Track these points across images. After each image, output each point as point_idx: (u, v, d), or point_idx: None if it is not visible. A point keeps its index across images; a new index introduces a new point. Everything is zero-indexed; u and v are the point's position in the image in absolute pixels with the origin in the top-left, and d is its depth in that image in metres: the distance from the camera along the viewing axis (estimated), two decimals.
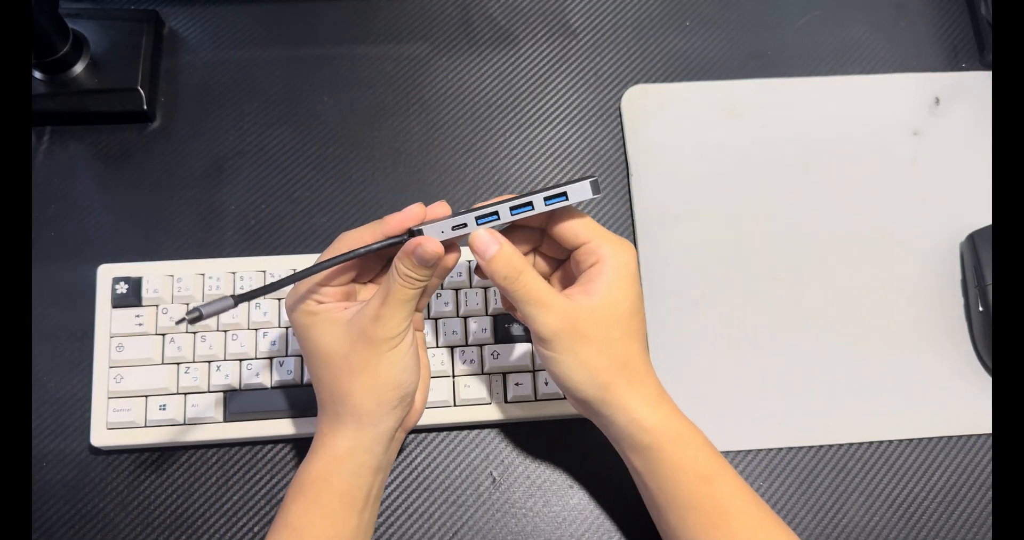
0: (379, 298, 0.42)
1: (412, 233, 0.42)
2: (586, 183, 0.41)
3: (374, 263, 0.46)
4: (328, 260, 0.41)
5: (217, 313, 0.38)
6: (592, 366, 0.42)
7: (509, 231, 0.45)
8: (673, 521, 0.44)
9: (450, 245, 0.44)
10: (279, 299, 0.53)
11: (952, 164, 0.61)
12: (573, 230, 0.43)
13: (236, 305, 0.38)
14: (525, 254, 0.46)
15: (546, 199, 0.42)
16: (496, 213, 0.42)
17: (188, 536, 0.51)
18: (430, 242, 0.41)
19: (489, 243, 0.42)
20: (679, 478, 0.43)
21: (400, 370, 0.43)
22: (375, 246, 0.42)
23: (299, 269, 0.43)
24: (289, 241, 0.58)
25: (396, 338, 0.42)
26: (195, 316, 0.37)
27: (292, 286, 0.44)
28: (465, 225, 0.42)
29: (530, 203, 0.42)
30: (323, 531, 0.42)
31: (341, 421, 0.43)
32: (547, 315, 0.42)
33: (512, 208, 0.42)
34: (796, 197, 0.60)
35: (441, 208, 0.44)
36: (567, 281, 0.46)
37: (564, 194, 0.41)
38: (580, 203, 0.58)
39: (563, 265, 0.47)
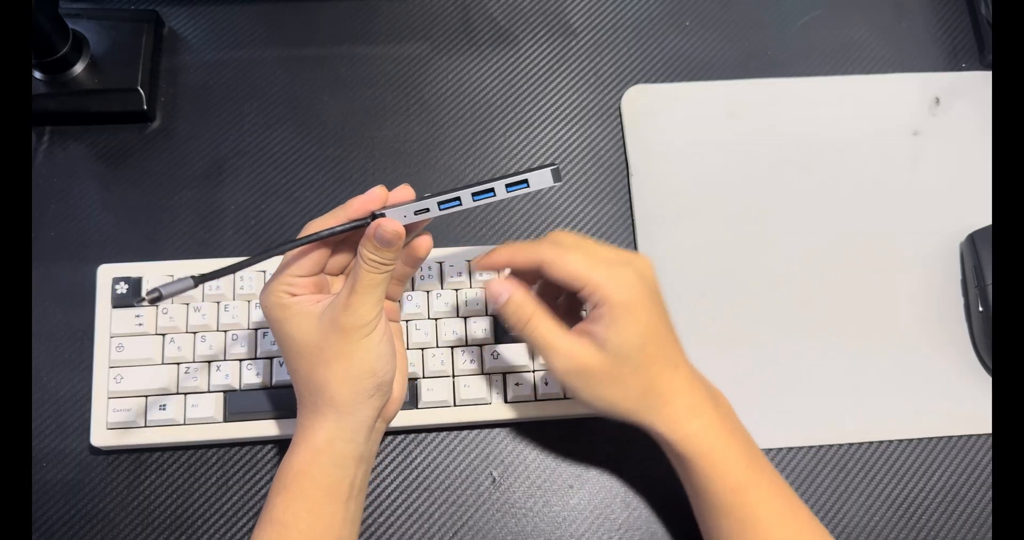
0: (348, 287, 0.42)
1: (375, 217, 0.42)
2: (546, 171, 0.41)
3: (344, 254, 0.46)
4: (291, 242, 0.42)
5: (177, 293, 0.38)
6: (607, 399, 0.44)
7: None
8: (710, 525, 0.46)
9: (422, 232, 0.45)
10: None
11: (952, 164, 0.61)
12: (565, 280, 0.44)
13: (196, 285, 0.39)
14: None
15: (507, 186, 0.42)
16: (458, 198, 0.42)
17: (188, 536, 0.51)
18: (390, 223, 0.41)
19: (501, 291, 0.45)
20: (711, 487, 0.44)
21: (375, 357, 0.43)
22: (338, 228, 0.42)
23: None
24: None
25: (368, 326, 0.42)
26: (155, 296, 0.37)
27: (264, 282, 0.44)
28: (428, 210, 0.42)
29: (492, 190, 0.42)
30: (308, 524, 0.42)
31: (320, 412, 0.43)
32: (556, 359, 0.44)
33: (474, 194, 0.42)
34: (796, 197, 0.60)
35: (404, 191, 0.44)
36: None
37: (525, 181, 0.42)
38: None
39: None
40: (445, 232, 0.58)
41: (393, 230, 0.41)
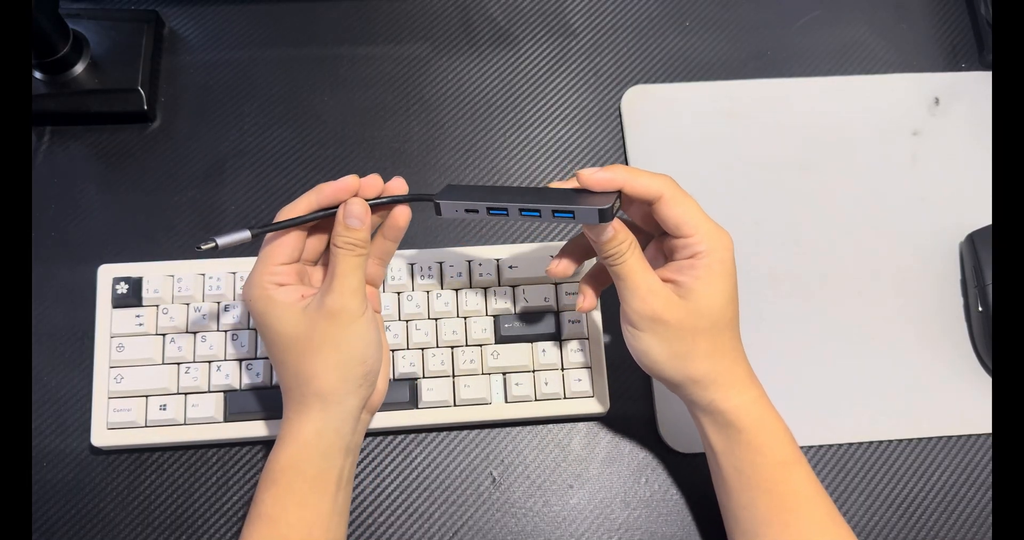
0: (329, 274, 0.43)
1: (436, 204, 0.45)
2: (595, 210, 0.42)
3: (317, 237, 0.46)
4: (283, 221, 0.43)
5: (233, 245, 0.40)
6: (677, 352, 0.44)
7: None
8: (744, 502, 0.45)
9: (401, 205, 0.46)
10: None
11: (952, 164, 0.61)
12: (676, 221, 0.43)
13: (253, 238, 0.40)
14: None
15: (555, 212, 0.43)
16: (506, 210, 0.44)
17: (188, 536, 0.51)
18: (356, 202, 0.43)
19: (606, 226, 0.43)
20: (757, 460, 0.44)
21: (364, 344, 0.43)
22: (320, 214, 0.44)
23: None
24: None
25: (354, 310, 0.43)
26: (211, 246, 0.39)
27: (247, 278, 0.45)
28: (477, 211, 0.44)
29: (538, 210, 0.43)
30: (297, 517, 0.43)
31: (307, 403, 0.43)
32: (634, 298, 0.43)
33: (521, 210, 0.44)
34: (795, 197, 0.60)
35: (397, 183, 0.45)
36: (663, 252, 0.47)
37: (571, 213, 0.43)
38: None
39: (662, 236, 0.47)
40: (444, 232, 0.58)
41: (362, 207, 0.43)
